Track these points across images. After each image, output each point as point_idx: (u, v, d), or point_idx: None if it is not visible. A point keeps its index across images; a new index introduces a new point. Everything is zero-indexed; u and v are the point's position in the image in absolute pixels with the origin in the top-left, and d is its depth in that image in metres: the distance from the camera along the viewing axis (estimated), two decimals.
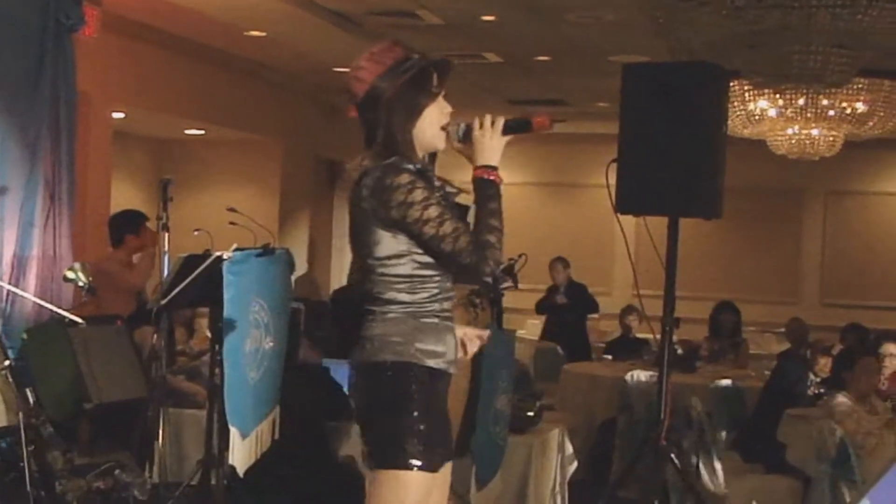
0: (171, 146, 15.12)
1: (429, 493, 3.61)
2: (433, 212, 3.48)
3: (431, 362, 3.57)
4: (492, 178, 3.60)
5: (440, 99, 3.67)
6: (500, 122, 3.63)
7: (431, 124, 3.64)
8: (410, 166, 3.54)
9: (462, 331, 3.80)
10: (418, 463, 3.51)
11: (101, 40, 8.34)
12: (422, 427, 3.52)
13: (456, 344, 3.69)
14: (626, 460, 7.61)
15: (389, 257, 3.56)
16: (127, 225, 7.94)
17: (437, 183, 3.65)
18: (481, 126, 3.63)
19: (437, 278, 3.60)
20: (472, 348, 3.85)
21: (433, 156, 3.75)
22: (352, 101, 3.67)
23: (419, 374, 3.54)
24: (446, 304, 3.66)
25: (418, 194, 3.48)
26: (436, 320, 3.61)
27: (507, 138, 3.65)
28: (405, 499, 3.53)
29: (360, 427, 3.63)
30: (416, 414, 3.52)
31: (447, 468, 3.73)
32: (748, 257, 16.06)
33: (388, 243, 3.54)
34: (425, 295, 3.58)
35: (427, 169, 3.63)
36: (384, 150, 3.58)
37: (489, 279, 3.64)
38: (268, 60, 12.21)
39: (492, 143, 3.62)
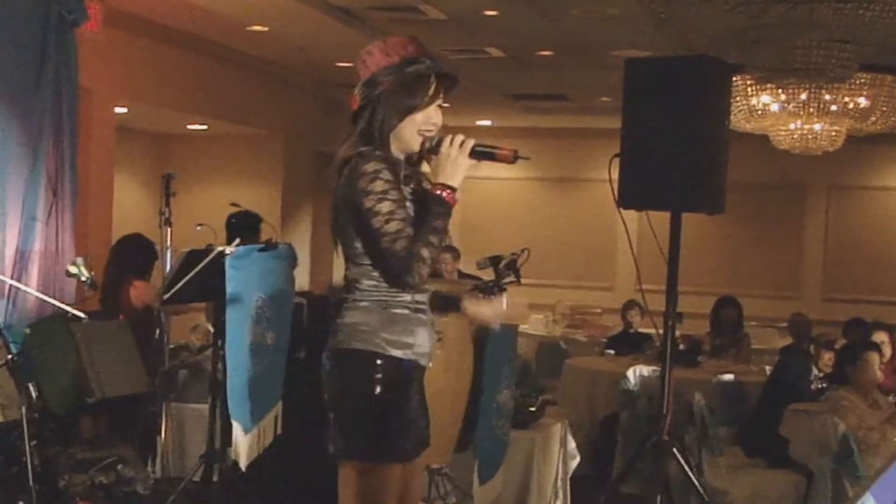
0: (173, 141, 15.11)
1: (403, 483, 3.65)
2: (385, 206, 3.48)
3: (398, 352, 3.58)
4: (446, 197, 3.58)
5: (431, 108, 3.67)
6: (470, 144, 3.62)
7: (413, 129, 3.65)
8: (380, 153, 3.57)
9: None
10: (390, 453, 3.55)
11: (104, 35, 8.32)
12: (391, 417, 3.55)
13: (430, 336, 3.71)
14: (629, 455, 7.62)
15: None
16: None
17: (405, 172, 3.65)
18: (451, 144, 3.62)
19: None
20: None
21: (420, 159, 3.75)
22: (355, 81, 3.71)
23: (385, 364, 3.56)
24: (419, 297, 3.67)
25: (378, 185, 3.49)
26: (406, 311, 3.63)
27: (472, 161, 3.64)
28: (379, 489, 3.56)
29: (332, 414, 3.64)
30: (384, 403, 3.55)
31: (422, 458, 3.78)
32: (750, 252, 16.05)
33: None
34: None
35: (399, 163, 3.63)
36: (360, 140, 3.62)
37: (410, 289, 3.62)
38: (270, 55, 12.20)
39: (456, 163, 3.60)
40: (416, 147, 3.67)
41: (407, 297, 3.62)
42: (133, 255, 7.59)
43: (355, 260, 3.62)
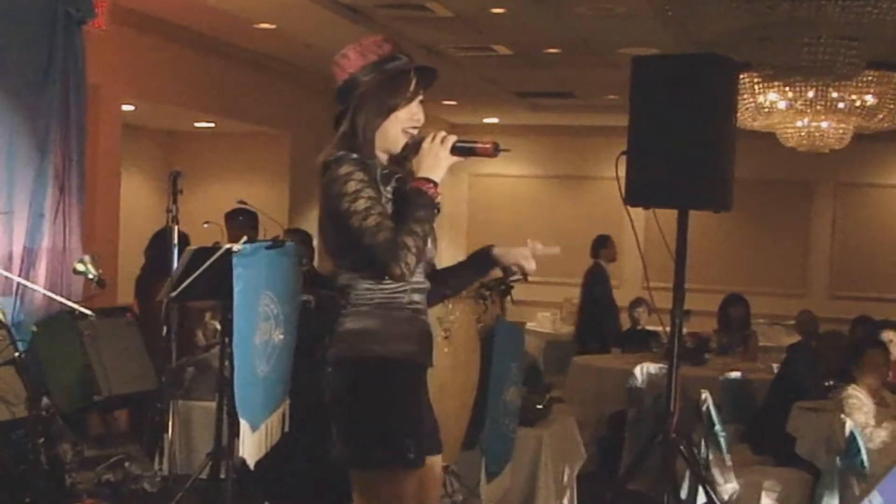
0: (180, 139, 15.13)
1: (422, 487, 3.64)
2: (360, 205, 3.46)
3: (403, 357, 3.56)
4: (429, 190, 3.56)
5: (413, 105, 3.66)
6: (450, 140, 3.62)
7: (397, 127, 3.63)
8: (354, 156, 3.53)
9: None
10: (408, 458, 3.51)
11: (111, 33, 8.33)
12: (408, 422, 3.52)
13: (431, 336, 3.71)
14: (636, 453, 7.61)
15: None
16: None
17: (383, 172, 3.61)
18: (432, 140, 3.61)
19: None
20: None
21: (403, 159, 3.72)
22: (333, 86, 3.69)
23: (400, 369, 3.54)
24: (416, 297, 3.65)
25: (351, 186, 3.47)
26: (406, 312, 3.60)
27: (454, 158, 3.64)
28: (399, 495, 3.53)
29: (338, 423, 3.59)
30: (401, 409, 3.52)
31: (437, 459, 3.76)
32: (758, 250, 16.04)
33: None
34: (393, 286, 3.56)
35: (373, 165, 3.59)
36: (341, 142, 3.60)
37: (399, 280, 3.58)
38: (277, 53, 12.20)
39: (437, 159, 3.59)
40: (400, 145, 3.66)
41: (404, 298, 3.59)
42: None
43: (347, 266, 3.59)
